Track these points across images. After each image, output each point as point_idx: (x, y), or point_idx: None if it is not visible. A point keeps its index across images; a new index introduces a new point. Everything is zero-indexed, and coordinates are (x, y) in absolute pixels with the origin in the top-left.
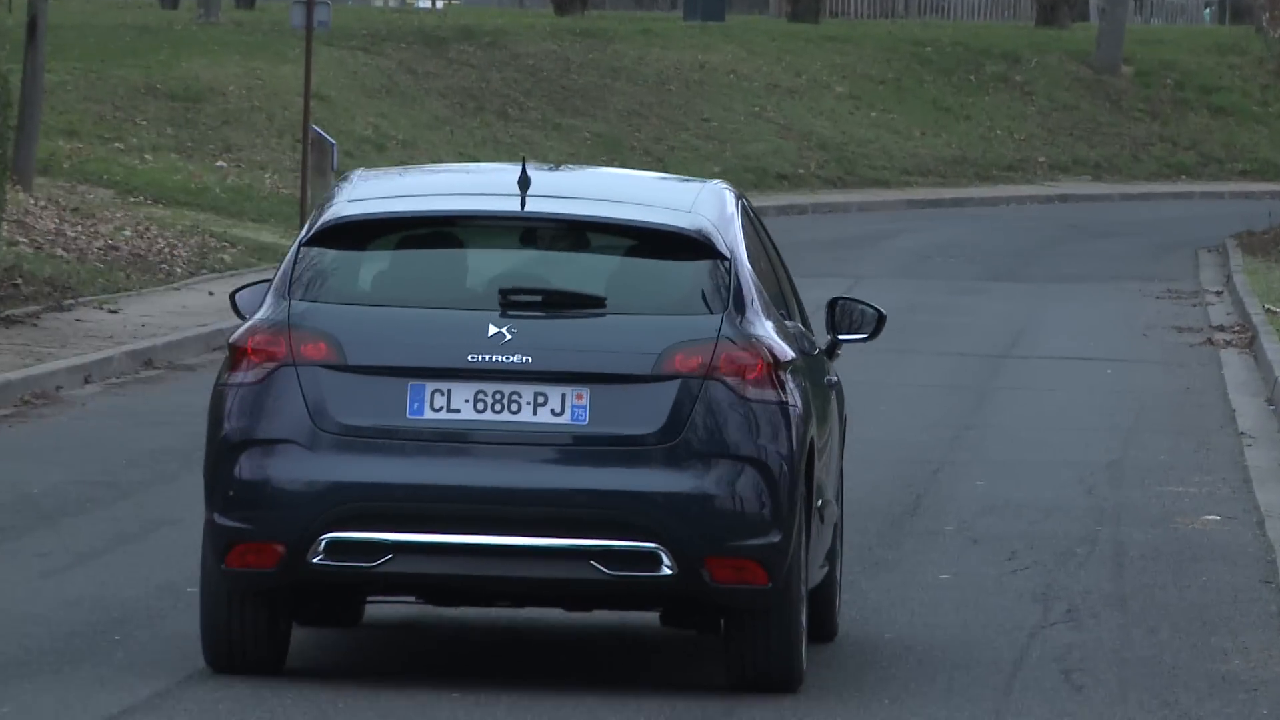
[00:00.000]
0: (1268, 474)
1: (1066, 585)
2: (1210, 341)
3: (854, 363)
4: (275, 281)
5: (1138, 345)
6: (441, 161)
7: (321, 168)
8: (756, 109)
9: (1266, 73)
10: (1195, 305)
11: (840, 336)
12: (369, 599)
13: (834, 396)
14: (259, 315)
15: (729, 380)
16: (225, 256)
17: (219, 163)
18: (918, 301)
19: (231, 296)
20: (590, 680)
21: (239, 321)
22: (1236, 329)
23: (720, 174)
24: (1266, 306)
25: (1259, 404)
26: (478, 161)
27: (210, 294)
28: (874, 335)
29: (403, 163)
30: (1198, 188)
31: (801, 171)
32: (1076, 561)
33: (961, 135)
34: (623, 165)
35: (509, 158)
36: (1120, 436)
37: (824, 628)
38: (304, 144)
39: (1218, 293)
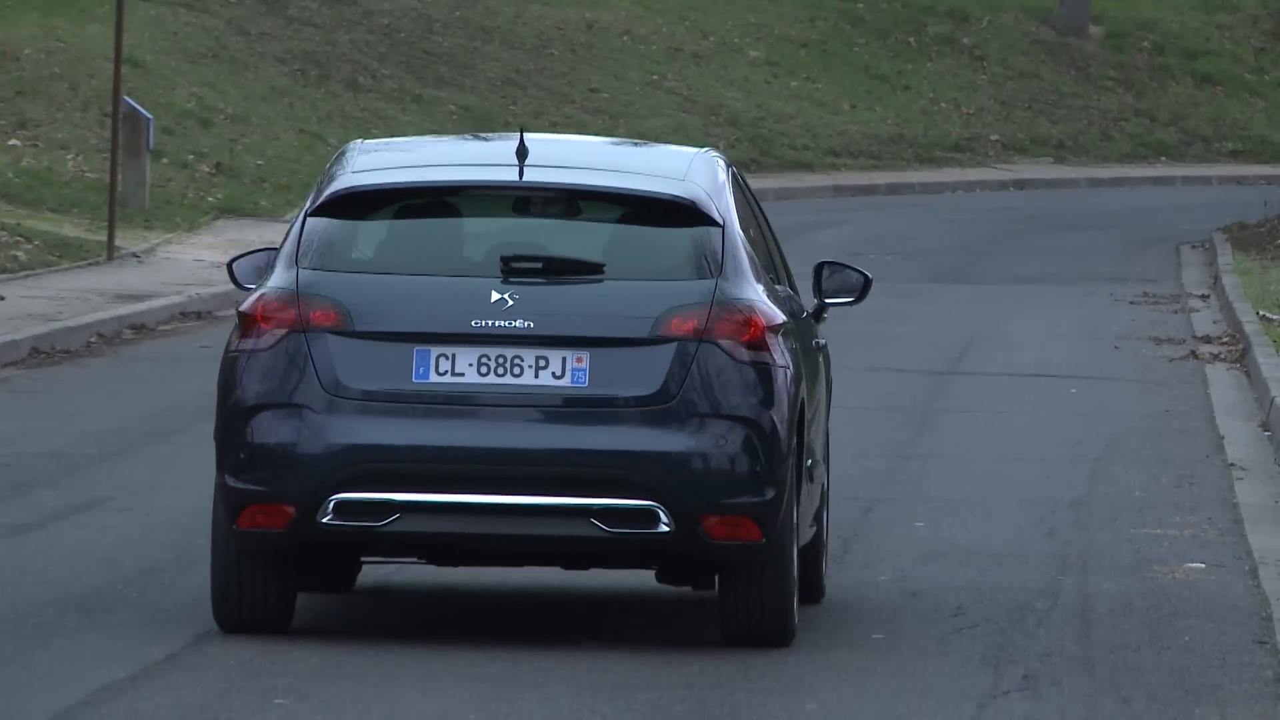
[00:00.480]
0: (1261, 513)
1: (1023, 646)
2: (1194, 355)
3: None
4: (283, 251)
5: (1108, 359)
6: (279, 139)
7: (135, 147)
8: (655, 77)
9: (1262, 34)
10: (1177, 311)
11: (827, 300)
12: (373, 560)
13: (821, 360)
14: (269, 283)
15: (723, 343)
16: (19, 254)
17: (11, 141)
18: (847, 308)
19: (229, 265)
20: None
21: (41, 331)
22: (1225, 340)
23: None
24: (1261, 313)
25: (1251, 429)
26: (323, 139)
27: (1, 298)
28: (860, 298)
29: (231, 141)
30: (1180, 171)
31: None
32: (1035, 618)
33: (899, 109)
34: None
35: (358, 134)
36: (1086, 468)
37: (812, 589)
38: (114, 119)
39: (1203, 296)
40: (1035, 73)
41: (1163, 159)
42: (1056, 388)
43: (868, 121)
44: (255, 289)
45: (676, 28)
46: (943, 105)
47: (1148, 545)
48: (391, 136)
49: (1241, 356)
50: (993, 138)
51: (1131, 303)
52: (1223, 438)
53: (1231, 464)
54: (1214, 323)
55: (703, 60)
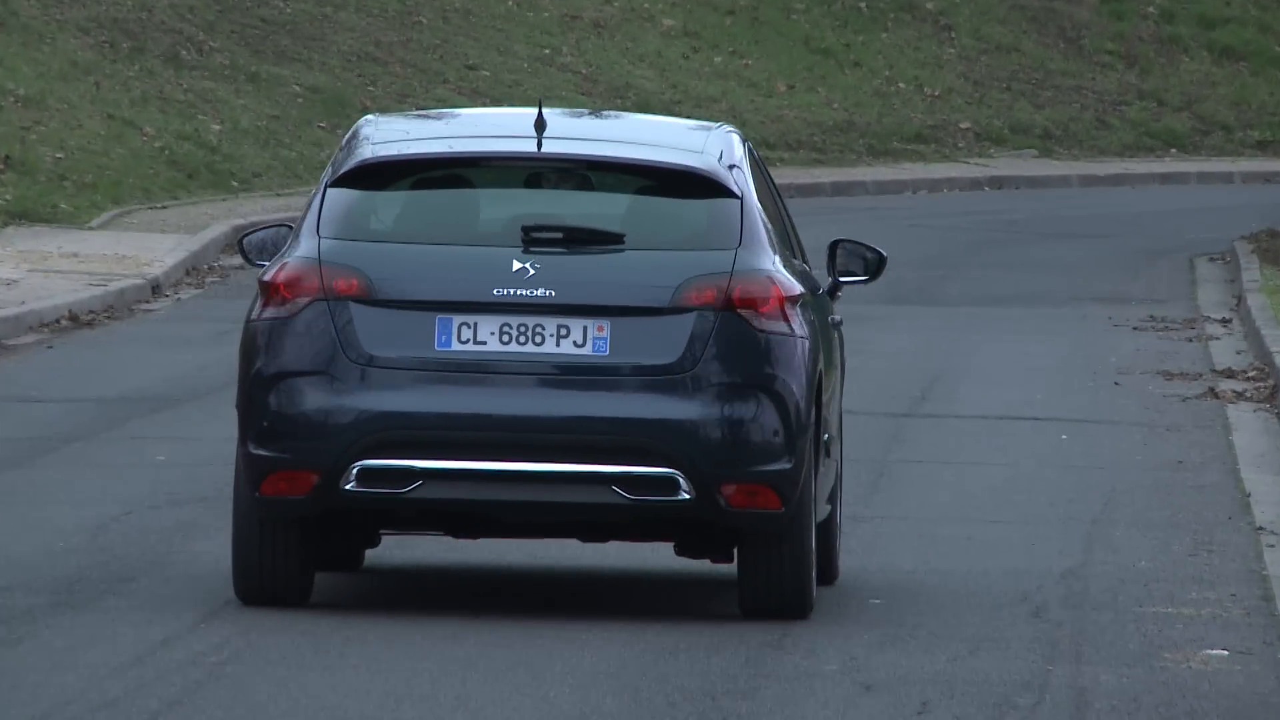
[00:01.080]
0: None
1: None
2: (1213, 393)
3: None
4: (304, 221)
5: (1107, 398)
6: (82, 127)
7: None
8: (547, 51)
9: None
10: (1191, 339)
11: (841, 279)
12: (393, 533)
13: (837, 336)
14: (292, 253)
15: (742, 312)
16: None
17: None
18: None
19: (240, 241)
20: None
21: None
22: (1251, 374)
23: None
24: None
25: None
26: (136, 127)
27: None
28: (874, 277)
29: (22, 130)
30: (1194, 166)
31: None
32: (1018, 716)
33: (848, 90)
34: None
35: (184, 120)
36: (1081, 532)
37: (825, 570)
38: None
39: (1224, 321)
40: (1015, 45)
41: (1173, 151)
42: (1043, 433)
43: (809, 106)
44: (273, 261)
45: None
46: (901, 86)
47: (1157, 627)
48: (220, 122)
49: (1271, 395)
50: (963, 125)
51: (1135, 328)
52: (1249, 495)
53: (1260, 528)
54: (1237, 353)
55: (605, 30)
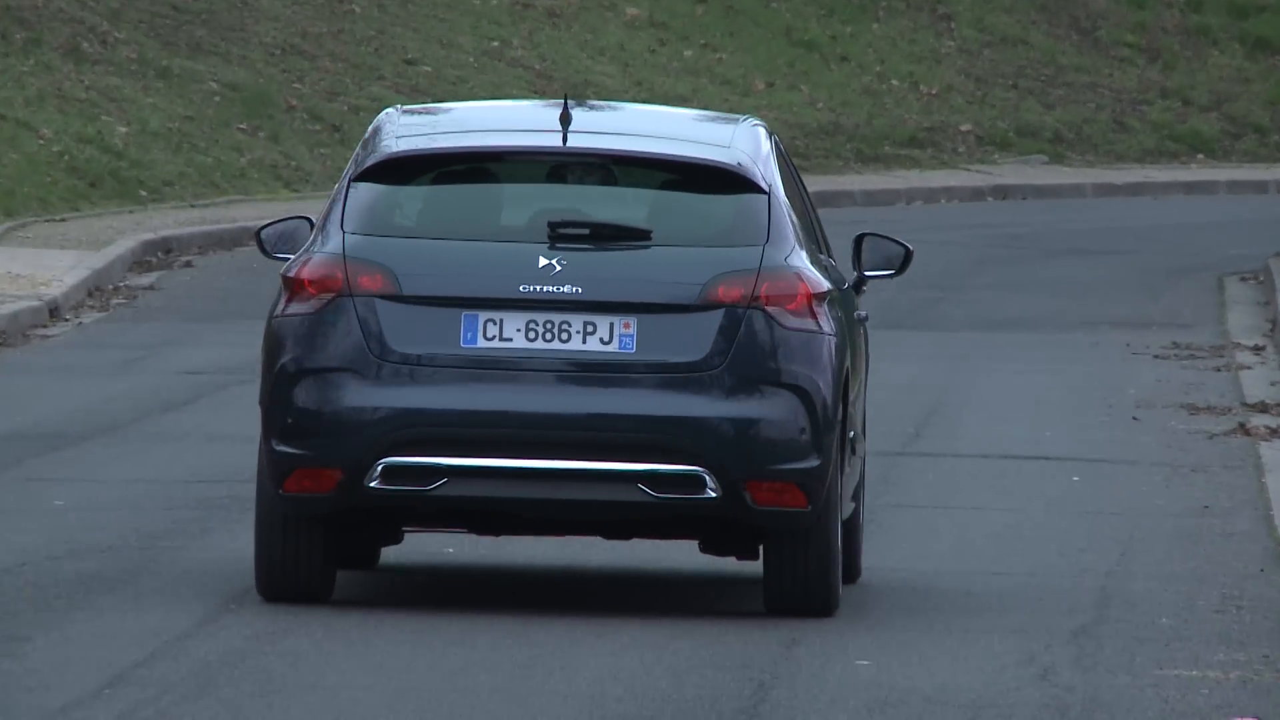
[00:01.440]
0: None
1: None
2: (1244, 429)
3: None
4: (327, 216)
5: (1124, 435)
6: None
7: None
8: (495, 43)
9: None
10: (1220, 369)
11: (866, 273)
12: (416, 530)
13: (862, 332)
14: (313, 248)
15: (770, 309)
16: None
17: None
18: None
19: (258, 234)
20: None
21: None
22: None
23: None
24: None
25: None
26: (31, 128)
27: None
28: (900, 271)
29: None
30: (1224, 174)
31: None
32: None
33: (834, 88)
34: (274, 132)
35: (86, 121)
36: (1095, 586)
37: (849, 568)
38: None
39: (1257, 348)
40: (1023, 38)
41: (1200, 156)
42: (1053, 474)
43: (791, 106)
44: (296, 256)
45: None
46: (894, 83)
47: (1179, 692)
48: (127, 124)
49: None
50: (964, 128)
51: (1156, 356)
52: None
53: None
54: (1272, 384)
55: (561, 21)
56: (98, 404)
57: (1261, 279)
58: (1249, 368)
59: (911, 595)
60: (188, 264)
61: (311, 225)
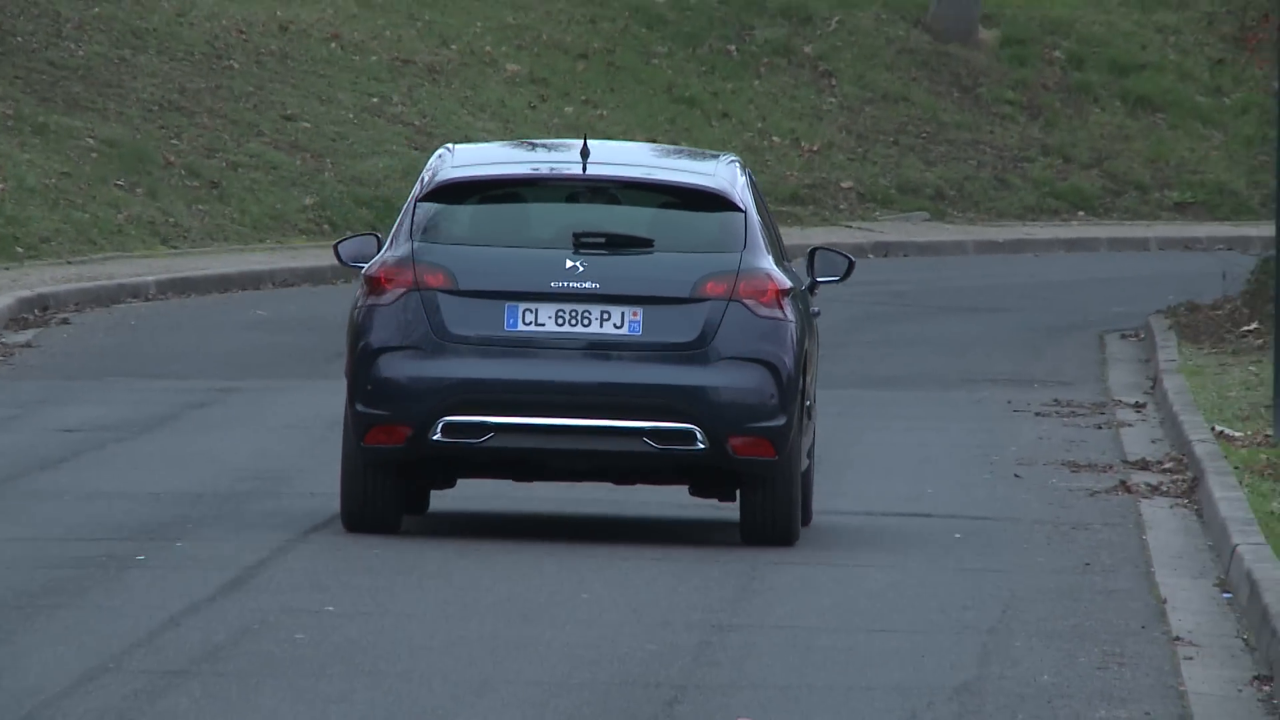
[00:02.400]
0: (1219, 706)
1: None
2: (1125, 486)
3: (553, 527)
4: (399, 228)
5: (1005, 492)
6: None
7: None
8: (375, 100)
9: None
10: (1101, 426)
11: (818, 279)
12: (470, 477)
13: (814, 325)
14: (388, 253)
15: (746, 302)
16: None
17: None
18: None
19: (335, 247)
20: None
21: None
22: (1168, 466)
23: (314, 206)
24: (1218, 429)
25: (1204, 590)
26: None
27: None
28: (844, 278)
29: None
30: (1105, 231)
31: None
32: None
33: (715, 145)
34: (152, 190)
35: None
36: (976, 643)
37: (804, 511)
38: None
39: (1138, 406)
40: (904, 94)
41: (1081, 214)
42: (933, 532)
43: None
44: (374, 260)
45: (405, 31)
46: (776, 140)
47: None
48: (3, 180)
49: (1190, 489)
50: (844, 184)
51: (1038, 414)
52: (1164, 601)
53: (1177, 638)
54: (1153, 442)
55: (441, 77)
56: None
57: (1142, 336)
58: (1130, 425)
59: (793, 652)
60: (65, 321)
61: (379, 241)
